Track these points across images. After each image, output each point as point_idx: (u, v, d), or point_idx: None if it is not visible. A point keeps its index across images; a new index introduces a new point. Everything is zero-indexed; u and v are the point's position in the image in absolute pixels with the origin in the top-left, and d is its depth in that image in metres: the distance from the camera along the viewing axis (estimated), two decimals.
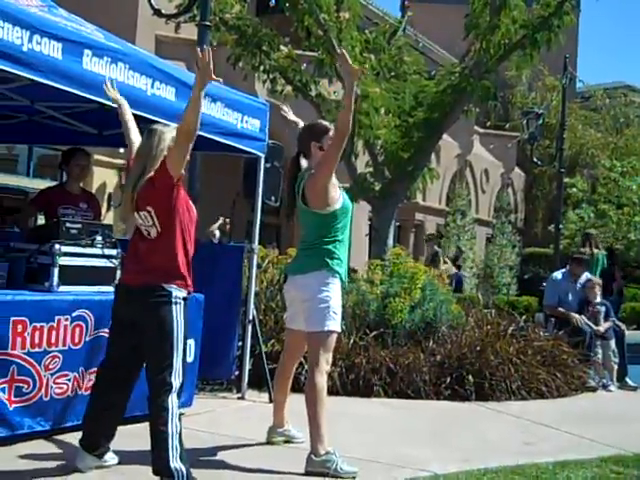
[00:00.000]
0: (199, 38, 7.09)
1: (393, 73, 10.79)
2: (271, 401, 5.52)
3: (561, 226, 17.03)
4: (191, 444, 4.08)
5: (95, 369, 4.20)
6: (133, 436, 4.19)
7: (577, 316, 8.25)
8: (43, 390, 4.33)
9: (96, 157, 12.48)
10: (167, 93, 4.89)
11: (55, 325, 4.39)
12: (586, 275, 8.84)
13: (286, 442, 4.76)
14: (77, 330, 4.52)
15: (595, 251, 12.18)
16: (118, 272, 4.78)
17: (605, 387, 7.95)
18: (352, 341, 6.80)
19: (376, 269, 7.87)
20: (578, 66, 32.39)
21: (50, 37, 4.02)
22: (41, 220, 6.25)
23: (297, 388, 5.09)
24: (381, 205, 10.59)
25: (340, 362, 6.51)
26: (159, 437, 3.62)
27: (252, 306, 6.17)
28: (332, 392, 5.78)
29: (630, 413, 6.94)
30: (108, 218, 13.08)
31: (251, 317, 6.15)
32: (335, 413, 4.79)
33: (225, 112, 5.47)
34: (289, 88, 10.44)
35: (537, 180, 28.63)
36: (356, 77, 4.37)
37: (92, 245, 4.83)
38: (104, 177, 14.47)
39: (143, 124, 4.23)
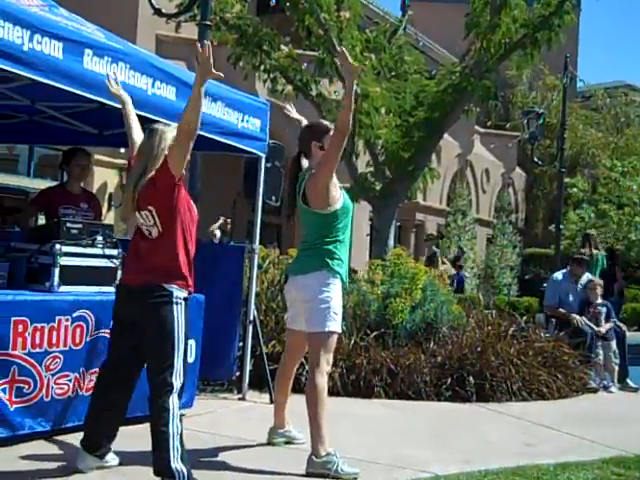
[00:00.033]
0: (199, 38, 7.07)
1: (394, 73, 10.80)
2: (272, 402, 5.51)
3: (562, 226, 17.03)
4: (192, 445, 4.07)
5: (96, 370, 4.20)
6: (134, 437, 4.19)
7: (578, 317, 8.24)
8: (44, 390, 4.32)
9: (97, 157, 12.48)
10: (168, 93, 4.88)
11: (56, 325, 4.38)
12: (587, 276, 8.83)
13: (287, 443, 4.76)
14: (78, 330, 4.51)
15: (595, 252, 12.17)
16: (119, 272, 4.77)
17: (606, 388, 7.93)
18: (353, 342, 6.79)
19: (377, 269, 7.86)
20: (579, 65, 32.37)
21: (51, 37, 4.02)
22: (42, 220, 6.24)
23: (298, 389, 5.08)
24: (382, 205, 10.59)
25: (341, 363, 6.50)
26: (160, 438, 3.62)
27: (253, 306, 6.16)
28: (333, 393, 5.78)
29: (631, 414, 6.93)
30: (109, 218, 13.08)
31: (252, 318, 6.14)
32: (336, 414, 4.78)
33: (226, 112, 5.46)
34: (290, 88, 10.44)
35: (538, 180, 28.64)
36: (356, 75, 4.37)
37: (93, 245, 4.83)
38: (105, 177, 14.47)
39: (144, 124, 4.22)
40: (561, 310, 8.45)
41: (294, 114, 5.05)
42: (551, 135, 24.94)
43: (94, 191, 11.49)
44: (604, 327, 8.23)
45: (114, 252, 4.90)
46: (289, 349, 4.76)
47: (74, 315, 4.49)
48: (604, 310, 8.39)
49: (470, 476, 4.35)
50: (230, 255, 6.44)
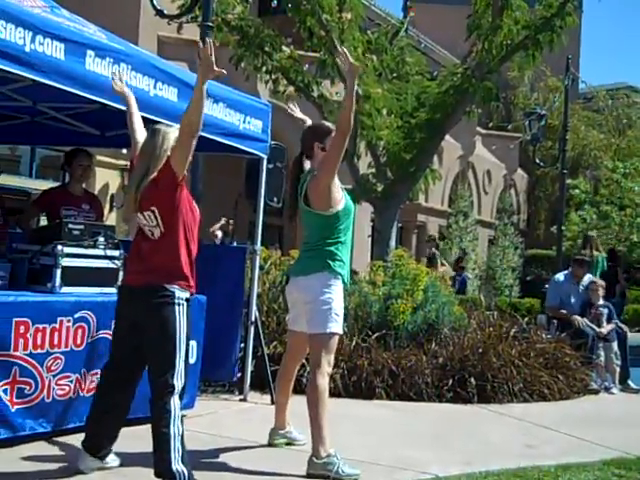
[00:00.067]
0: (201, 39, 7.07)
1: (395, 74, 10.80)
2: (273, 403, 5.51)
3: (563, 228, 17.01)
4: (193, 446, 4.08)
5: (97, 371, 4.20)
6: (135, 438, 4.19)
7: (579, 318, 8.24)
8: (45, 391, 4.32)
9: (98, 158, 12.47)
10: (169, 94, 4.88)
11: (57, 326, 4.38)
12: (589, 277, 8.83)
13: (288, 444, 4.76)
14: (79, 331, 4.51)
15: (595, 253, 12.16)
16: (120, 273, 4.77)
17: (607, 390, 7.93)
18: (354, 343, 6.79)
19: (378, 270, 7.86)
20: (580, 67, 32.40)
21: (53, 38, 4.02)
22: (43, 221, 6.25)
23: (299, 390, 5.08)
24: (383, 206, 10.59)
25: (342, 364, 6.50)
26: (161, 439, 3.62)
27: (254, 308, 6.16)
28: (334, 394, 5.78)
29: (632, 416, 6.93)
30: (110, 219, 13.07)
31: (253, 319, 6.14)
32: (337, 415, 4.79)
33: (227, 113, 5.46)
34: (291, 89, 10.44)
35: (539, 181, 28.62)
36: (357, 75, 4.37)
37: (94, 246, 4.83)
38: (107, 178, 14.46)
39: (146, 125, 4.22)
40: (563, 311, 8.45)
41: (298, 113, 5.04)
42: (553, 136, 24.89)
43: (96, 192, 11.50)
44: (605, 328, 8.22)
45: (116, 253, 4.90)
46: (290, 350, 4.76)
47: (75, 316, 4.50)
48: (605, 311, 8.38)
49: (471, 477, 4.35)
50: (232, 256, 6.45)
